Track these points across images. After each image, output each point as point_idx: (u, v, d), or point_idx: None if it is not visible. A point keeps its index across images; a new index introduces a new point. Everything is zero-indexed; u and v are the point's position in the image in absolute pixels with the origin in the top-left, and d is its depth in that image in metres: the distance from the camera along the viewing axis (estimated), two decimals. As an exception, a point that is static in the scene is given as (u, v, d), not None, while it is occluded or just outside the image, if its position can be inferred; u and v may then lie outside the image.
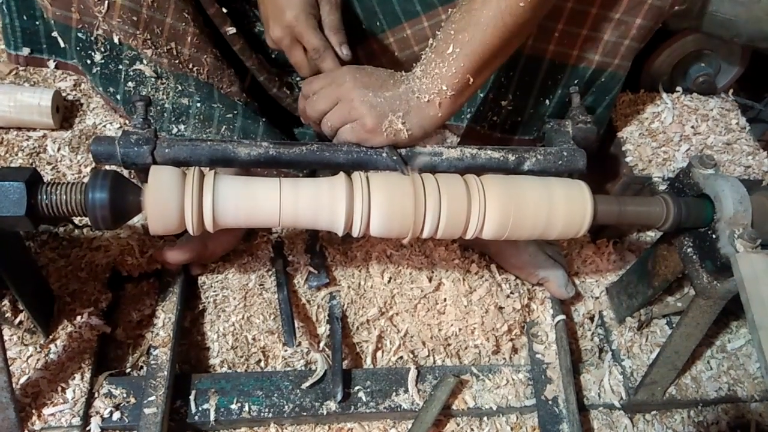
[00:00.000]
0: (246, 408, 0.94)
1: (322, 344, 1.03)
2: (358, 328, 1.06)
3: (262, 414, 0.94)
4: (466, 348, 1.07)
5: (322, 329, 1.05)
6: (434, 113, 0.81)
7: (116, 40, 0.93)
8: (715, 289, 0.86)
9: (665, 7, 0.93)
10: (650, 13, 0.92)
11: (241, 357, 1.01)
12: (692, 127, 1.19)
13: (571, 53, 0.97)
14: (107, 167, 0.85)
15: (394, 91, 0.81)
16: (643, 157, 1.14)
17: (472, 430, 1.01)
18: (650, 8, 0.92)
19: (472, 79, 0.79)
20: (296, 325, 1.02)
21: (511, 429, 1.01)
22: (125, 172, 1.01)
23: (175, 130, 0.97)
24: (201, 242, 1.01)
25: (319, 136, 1.12)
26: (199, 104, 0.97)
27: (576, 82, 0.98)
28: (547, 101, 1.03)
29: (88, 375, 0.92)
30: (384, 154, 0.83)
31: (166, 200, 0.73)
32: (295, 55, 0.90)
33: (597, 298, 1.15)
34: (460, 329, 1.06)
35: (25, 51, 1.14)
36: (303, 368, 1.01)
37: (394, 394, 0.98)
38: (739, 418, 1.06)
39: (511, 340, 1.08)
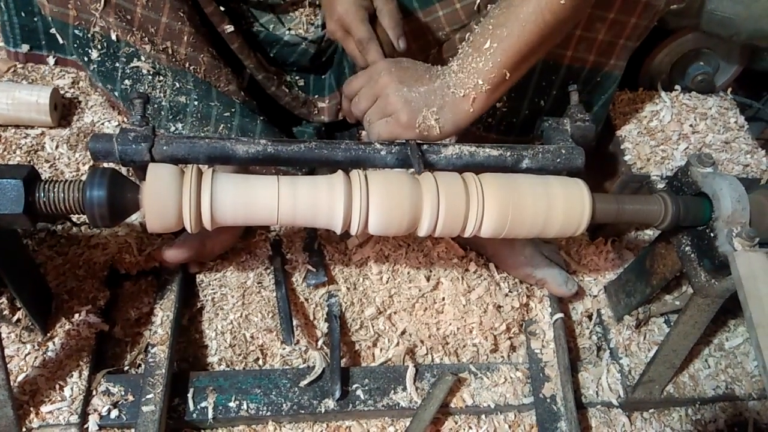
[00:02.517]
0: (244, 406, 0.94)
1: (320, 342, 1.03)
2: (356, 326, 1.06)
3: (260, 412, 0.94)
4: (464, 346, 1.07)
5: (321, 327, 1.05)
6: (468, 108, 0.81)
7: (114, 37, 0.93)
8: (713, 287, 0.86)
9: (659, 5, 0.92)
10: (645, 12, 0.92)
11: (240, 355, 1.01)
12: (691, 125, 1.19)
13: (566, 53, 0.97)
14: (105, 165, 0.85)
15: (430, 85, 0.80)
16: (642, 156, 1.14)
17: (470, 428, 1.01)
18: (644, 7, 0.91)
19: (508, 75, 0.79)
20: (294, 323, 1.02)
21: (509, 427, 1.01)
22: (123, 170, 1.01)
23: (172, 129, 0.97)
24: (200, 240, 1.01)
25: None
26: (196, 102, 0.97)
27: (571, 82, 0.98)
28: (542, 102, 1.02)
29: (86, 373, 0.92)
30: (408, 150, 0.82)
31: (164, 198, 0.73)
32: (349, 46, 0.90)
33: (595, 296, 1.15)
34: (458, 328, 1.06)
35: (24, 48, 1.14)
36: (301, 366, 1.01)
37: (392, 392, 0.98)
38: (736, 416, 1.06)
39: (510, 338, 1.08)
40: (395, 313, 1.07)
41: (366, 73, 0.85)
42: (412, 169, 0.82)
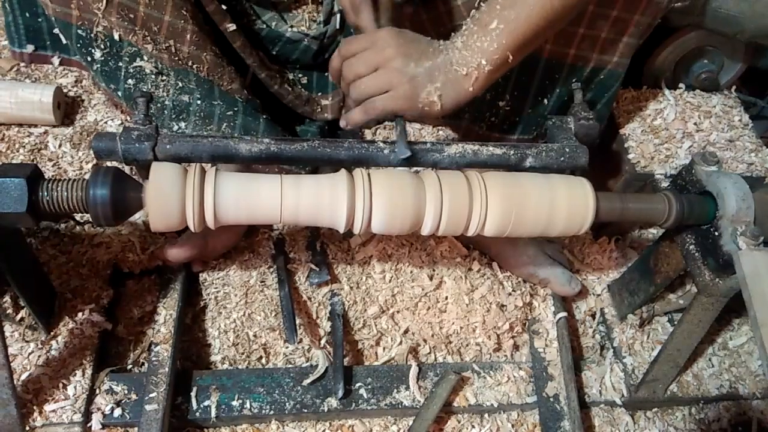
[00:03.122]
0: (247, 405, 0.94)
1: (323, 341, 1.03)
2: (359, 325, 1.06)
3: (263, 411, 0.94)
4: (467, 345, 1.07)
5: (324, 326, 1.05)
6: (468, 87, 0.81)
7: (116, 37, 0.93)
8: (717, 286, 0.86)
9: (663, 2, 0.92)
10: (648, 9, 0.92)
11: (243, 354, 1.01)
12: (695, 123, 1.19)
13: (568, 52, 0.96)
14: (108, 164, 0.85)
15: (434, 60, 0.80)
16: (646, 154, 1.13)
17: (473, 427, 1.01)
18: (648, 4, 0.91)
19: (511, 57, 0.79)
20: (297, 322, 1.02)
21: (512, 426, 1.01)
22: (126, 169, 1.01)
23: (175, 128, 0.97)
24: (202, 239, 1.01)
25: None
26: (199, 101, 0.97)
27: (574, 80, 0.98)
28: (546, 101, 1.02)
29: (89, 371, 0.92)
30: (397, 128, 0.82)
31: (167, 197, 0.73)
32: (343, 1, 0.88)
33: (599, 295, 1.15)
34: (461, 327, 1.06)
35: (29, 48, 1.14)
36: (304, 365, 1.01)
37: (395, 391, 0.98)
38: (740, 415, 1.06)
39: (513, 337, 1.08)
40: (398, 312, 1.07)
41: (368, 39, 0.83)
42: (415, 168, 0.81)
